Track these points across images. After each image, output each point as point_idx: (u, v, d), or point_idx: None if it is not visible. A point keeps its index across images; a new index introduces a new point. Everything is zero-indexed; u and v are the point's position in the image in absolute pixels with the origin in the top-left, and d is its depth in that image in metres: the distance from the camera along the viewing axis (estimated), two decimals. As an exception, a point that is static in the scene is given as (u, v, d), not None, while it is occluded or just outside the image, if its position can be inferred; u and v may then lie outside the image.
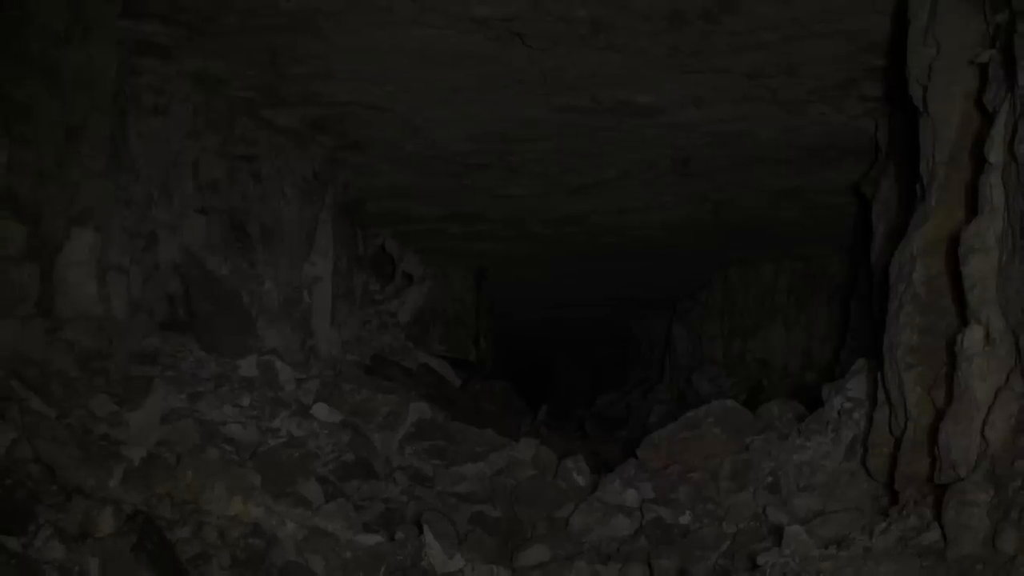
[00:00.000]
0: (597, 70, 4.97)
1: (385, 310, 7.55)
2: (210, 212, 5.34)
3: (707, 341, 10.82)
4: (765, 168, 6.61)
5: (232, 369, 4.91)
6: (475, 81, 5.11)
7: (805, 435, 4.36)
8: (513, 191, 7.16)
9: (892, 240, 4.34)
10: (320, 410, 4.90)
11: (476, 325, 9.88)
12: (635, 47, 4.67)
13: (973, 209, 3.23)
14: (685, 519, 4.19)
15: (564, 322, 13.81)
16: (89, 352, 4.12)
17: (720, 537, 3.94)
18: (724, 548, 3.84)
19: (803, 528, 3.46)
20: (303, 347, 5.88)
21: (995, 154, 3.09)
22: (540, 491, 4.69)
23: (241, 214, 5.56)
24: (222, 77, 5.04)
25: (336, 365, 6.08)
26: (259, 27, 4.46)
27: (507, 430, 6.23)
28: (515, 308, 11.87)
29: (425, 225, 8.03)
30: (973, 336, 3.08)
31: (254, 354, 5.11)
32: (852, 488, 3.90)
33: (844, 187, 6.73)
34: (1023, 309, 2.92)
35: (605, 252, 9.32)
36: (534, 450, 5.18)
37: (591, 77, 5.07)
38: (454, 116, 5.63)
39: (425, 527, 3.83)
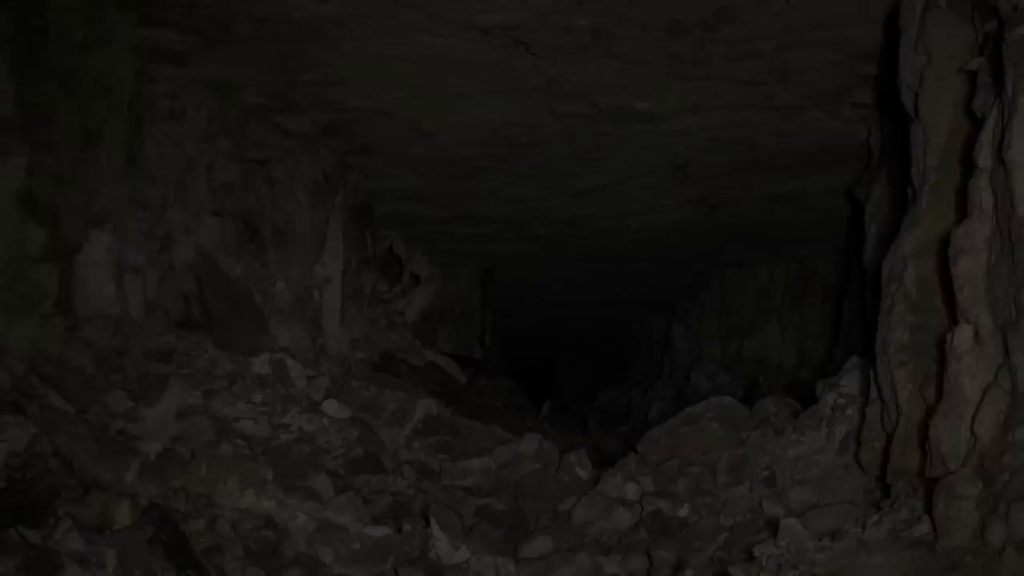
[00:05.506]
0: (598, 77, 5.04)
1: (393, 309, 7.57)
2: (224, 214, 5.41)
3: (705, 340, 10.85)
4: (761, 172, 6.67)
5: (245, 367, 4.97)
6: (480, 87, 5.19)
7: (800, 430, 4.38)
8: (517, 194, 7.22)
9: (884, 242, 4.35)
10: (330, 406, 4.96)
11: (482, 324, 9.88)
12: (635, 55, 4.75)
13: (963, 212, 3.28)
14: (684, 512, 4.21)
15: (567, 321, 13.80)
16: (106, 350, 4.20)
17: (718, 529, 3.96)
18: (721, 540, 3.87)
19: (798, 521, 3.48)
20: (314, 345, 5.92)
21: (984, 158, 3.14)
22: (544, 485, 4.73)
23: (254, 216, 5.62)
24: (236, 83, 5.11)
25: (345, 363, 6.12)
26: (271, 35, 4.54)
27: (511, 426, 6.24)
28: (519, 308, 11.86)
29: (432, 227, 8.07)
30: (963, 335, 3.13)
31: (266, 352, 5.17)
32: (845, 482, 3.92)
33: (837, 191, 6.76)
34: (1011, 308, 2.98)
35: (606, 254, 9.35)
36: (538, 445, 5.21)
37: (592, 84, 5.15)
38: (460, 121, 5.69)
39: (432, 520, 3.90)
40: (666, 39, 4.57)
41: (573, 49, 4.70)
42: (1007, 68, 3.05)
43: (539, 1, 4.23)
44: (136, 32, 4.44)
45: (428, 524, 3.93)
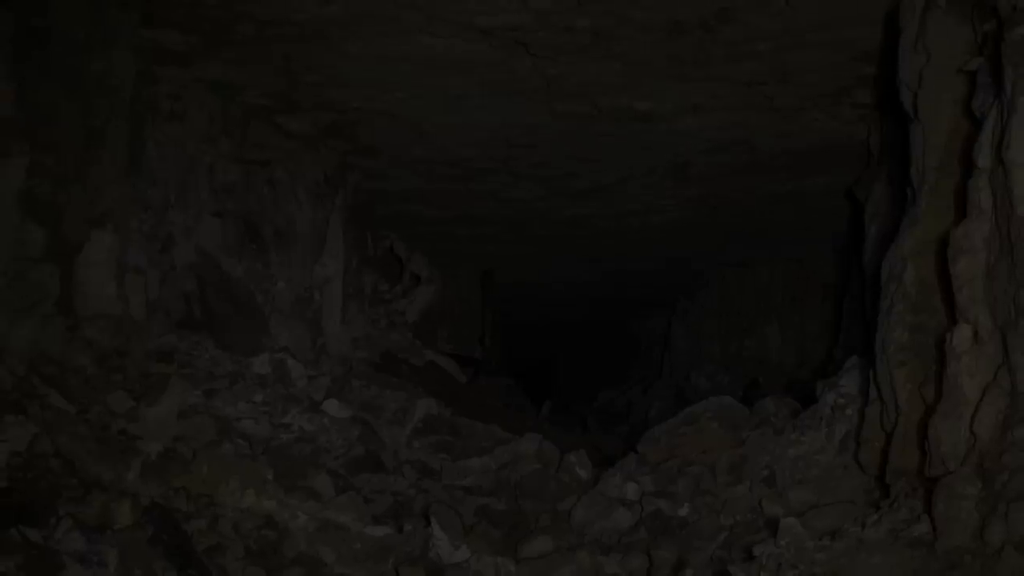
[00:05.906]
0: (598, 78, 5.06)
1: (394, 309, 7.58)
2: (225, 215, 5.42)
3: (705, 340, 10.85)
4: (761, 173, 6.68)
5: (246, 366, 4.97)
6: (480, 88, 5.20)
7: (800, 430, 4.38)
8: (517, 195, 7.22)
9: (884, 242, 4.35)
10: (331, 406, 4.96)
11: (482, 324, 9.92)
12: (635, 56, 4.76)
13: (962, 212, 3.29)
14: (684, 511, 4.21)
15: (567, 321, 13.83)
16: (107, 350, 4.22)
17: (718, 529, 3.96)
18: (721, 539, 3.87)
19: (798, 520, 3.50)
20: (314, 345, 5.94)
21: (983, 158, 3.15)
22: (544, 484, 4.73)
23: (255, 217, 5.64)
24: (238, 84, 5.12)
25: (346, 362, 6.13)
26: (274, 36, 4.55)
27: (512, 425, 6.21)
28: (519, 307, 11.90)
29: (432, 227, 8.08)
30: (962, 334, 3.14)
31: (267, 352, 5.18)
32: (845, 482, 3.92)
33: (837, 191, 6.77)
34: (1010, 308, 2.99)
35: (606, 254, 9.38)
36: (538, 445, 5.20)
37: (592, 85, 5.16)
38: (460, 122, 5.71)
39: (432, 519, 3.91)
40: (666, 40, 4.59)
41: (573, 50, 4.71)
42: (1006, 68, 3.06)
43: (539, 2, 4.25)
44: (139, 32, 4.45)
45: (429, 524, 3.93)
